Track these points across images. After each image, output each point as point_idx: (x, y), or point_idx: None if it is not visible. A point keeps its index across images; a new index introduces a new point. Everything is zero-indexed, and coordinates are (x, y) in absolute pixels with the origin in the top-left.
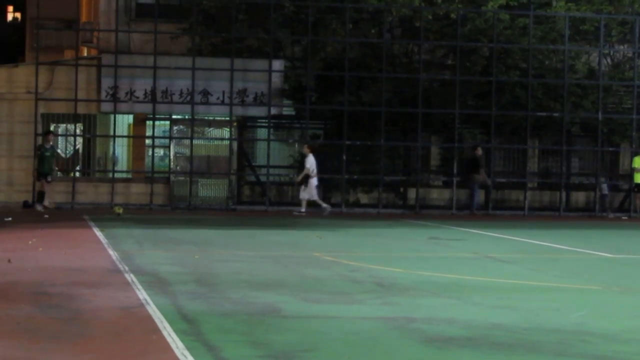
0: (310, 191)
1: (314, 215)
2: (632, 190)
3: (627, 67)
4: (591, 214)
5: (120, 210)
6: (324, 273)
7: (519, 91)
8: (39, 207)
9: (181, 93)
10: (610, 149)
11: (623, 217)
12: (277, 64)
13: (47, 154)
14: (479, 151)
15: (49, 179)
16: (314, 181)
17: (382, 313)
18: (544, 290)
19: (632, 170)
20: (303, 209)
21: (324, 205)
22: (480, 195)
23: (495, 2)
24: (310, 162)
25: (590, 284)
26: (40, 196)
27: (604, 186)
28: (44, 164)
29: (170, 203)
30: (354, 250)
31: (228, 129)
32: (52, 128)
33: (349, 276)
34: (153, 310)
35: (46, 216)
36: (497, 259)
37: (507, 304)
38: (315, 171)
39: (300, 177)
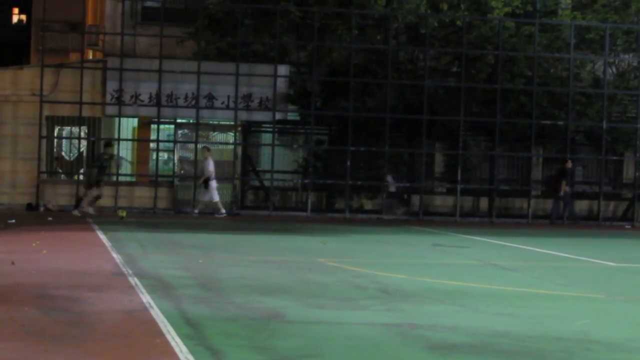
0: (211, 193)
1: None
2: (637, 199)
3: (632, 76)
4: (595, 223)
5: (124, 214)
6: (327, 279)
7: (523, 99)
8: (90, 210)
9: (186, 97)
10: (614, 157)
11: (626, 226)
12: (283, 69)
13: (106, 164)
14: (569, 164)
15: (101, 184)
16: (213, 183)
17: (385, 319)
18: (548, 298)
19: (638, 179)
20: (223, 210)
21: (223, 210)
22: (560, 207)
23: (501, 10)
24: (211, 165)
25: (594, 293)
26: (96, 199)
27: (391, 184)
28: (103, 172)
29: (174, 207)
30: (357, 256)
31: (232, 134)
32: (56, 131)
33: (352, 282)
34: (157, 314)
35: (50, 219)
36: (501, 267)
37: (511, 312)
38: (214, 174)
39: (201, 180)
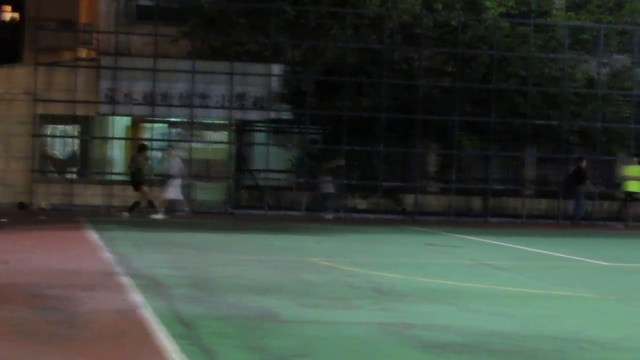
0: (168, 190)
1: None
2: (625, 199)
3: (626, 76)
4: (589, 222)
5: (45, 205)
6: (321, 278)
7: (518, 99)
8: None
9: (180, 96)
10: (608, 157)
11: (618, 226)
12: (277, 69)
13: (140, 166)
14: (584, 163)
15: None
16: (175, 182)
17: (379, 319)
18: (541, 297)
19: (624, 179)
20: (186, 208)
21: (160, 212)
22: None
23: (496, 10)
24: (178, 163)
25: (587, 292)
26: (134, 206)
27: (328, 185)
28: (140, 175)
29: (168, 206)
30: (351, 255)
31: (227, 133)
32: (49, 130)
33: (346, 281)
34: (149, 313)
35: (42, 218)
36: (494, 266)
37: (504, 311)
38: (180, 173)
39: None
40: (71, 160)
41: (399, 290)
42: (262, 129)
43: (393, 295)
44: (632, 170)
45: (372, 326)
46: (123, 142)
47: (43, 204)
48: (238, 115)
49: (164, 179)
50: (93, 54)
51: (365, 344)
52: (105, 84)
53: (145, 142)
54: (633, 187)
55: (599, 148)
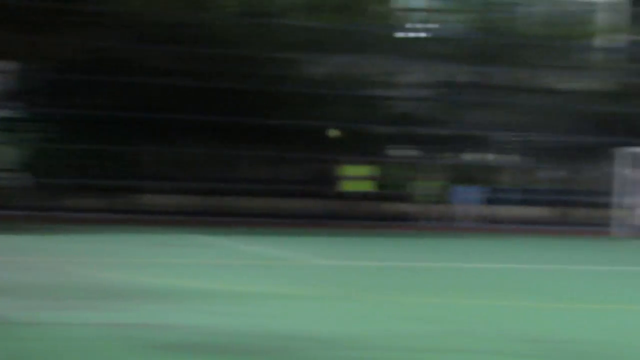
0: None
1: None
2: (345, 198)
3: (358, 77)
4: (314, 221)
5: None
6: (50, 279)
7: (246, 98)
8: None
9: None
10: (342, 157)
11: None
12: (6, 65)
13: None
14: None
15: None
16: None
17: (104, 319)
18: (268, 296)
19: (346, 179)
20: None
21: None
22: None
23: (230, 9)
24: None
25: (315, 291)
26: None
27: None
28: None
29: None
30: (79, 255)
31: None
32: None
33: (74, 282)
34: None
35: None
36: (223, 265)
37: (231, 310)
38: None
39: None
40: None
41: (126, 290)
42: None
43: (120, 296)
44: (354, 169)
45: (96, 327)
46: None
47: None
48: None
49: None
50: None
51: (89, 346)
52: None
53: None
54: (355, 186)
55: (327, 148)
